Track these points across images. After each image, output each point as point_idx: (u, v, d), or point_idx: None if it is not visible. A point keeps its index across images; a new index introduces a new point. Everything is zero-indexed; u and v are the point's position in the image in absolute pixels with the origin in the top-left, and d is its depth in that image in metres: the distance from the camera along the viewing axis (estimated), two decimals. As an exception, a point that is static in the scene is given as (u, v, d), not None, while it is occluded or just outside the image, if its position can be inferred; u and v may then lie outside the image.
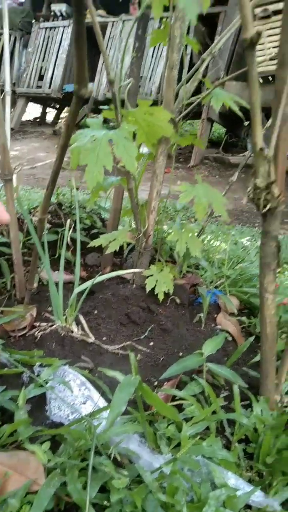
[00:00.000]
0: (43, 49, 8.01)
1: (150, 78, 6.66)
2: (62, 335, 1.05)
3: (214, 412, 0.84)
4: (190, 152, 6.53)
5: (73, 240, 1.60)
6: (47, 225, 1.52)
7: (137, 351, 1.12)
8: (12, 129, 8.06)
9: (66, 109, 10.08)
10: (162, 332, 1.20)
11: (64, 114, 10.40)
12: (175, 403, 0.87)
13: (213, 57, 1.17)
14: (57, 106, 9.64)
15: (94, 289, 1.37)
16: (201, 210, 1.06)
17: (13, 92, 7.97)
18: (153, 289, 1.23)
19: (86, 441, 0.71)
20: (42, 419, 0.84)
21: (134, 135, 1.14)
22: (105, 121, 1.08)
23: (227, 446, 0.84)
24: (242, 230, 2.85)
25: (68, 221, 1.10)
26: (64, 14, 8.20)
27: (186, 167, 6.04)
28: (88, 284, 1.01)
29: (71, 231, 1.06)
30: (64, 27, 7.82)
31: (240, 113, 1.17)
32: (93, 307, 1.27)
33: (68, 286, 1.45)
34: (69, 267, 1.59)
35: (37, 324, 1.14)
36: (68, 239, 1.02)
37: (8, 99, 1.25)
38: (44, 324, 1.12)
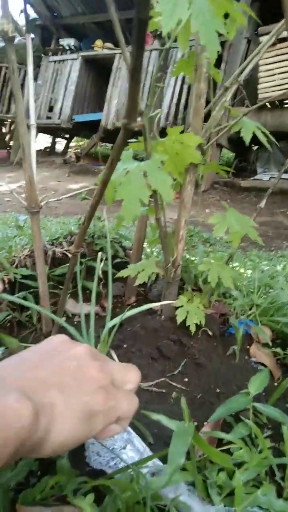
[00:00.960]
0: (52, 82, 8.25)
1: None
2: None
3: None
4: (201, 177, 6.57)
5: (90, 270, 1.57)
6: (70, 256, 1.49)
7: (172, 388, 1.07)
8: (21, 159, 8.22)
9: (75, 138, 10.29)
10: (196, 367, 1.15)
11: (73, 143, 10.62)
12: (223, 448, 0.82)
13: (240, 85, 1.16)
14: (67, 136, 9.84)
15: (122, 321, 1.33)
16: (236, 239, 1.03)
17: (24, 123, 8.15)
18: (183, 320, 1.19)
19: (135, 493, 0.66)
20: (81, 465, 0.78)
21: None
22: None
23: (279, 493, 0.78)
24: (259, 254, 2.81)
25: (100, 254, 1.07)
26: (72, 47, 8.48)
27: (197, 192, 6.06)
28: (119, 318, 0.96)
29: (102, 263, 1.02)
30: (73, 60, 8.07)
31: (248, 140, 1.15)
32: (122, 340, 1.22)
33: (97, 317, 1.41)
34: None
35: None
36: (100, 271, 0.99)
37: (33, 133, 1.25)
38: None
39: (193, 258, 1.72)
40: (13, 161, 8.25)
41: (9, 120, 9.17)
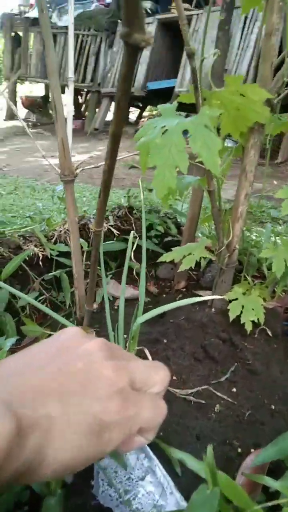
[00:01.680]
0: (127, 48, 7.98)
1: (235, 71, 6.23)
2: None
3: None
4: (277, 146, 6.01)
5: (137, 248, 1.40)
6: (116, 232, 1.33)
7: (215, 399, 0.88)
8: (96, 129, 8.19)
9: (148, 108, 10.02)
10: (249, 374, 0.94)
11: (146, 112, 10.36)
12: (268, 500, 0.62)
13: None
14: (140, 105, 9.60)
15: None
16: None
17: (98, 92, 8.08)
18: (238, 316, 0.98)
19: None
20: (86, 496, 0.64)
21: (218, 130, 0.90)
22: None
23: None
24: None
25: (132, 233, 0.89)
26: (148, 11, 8.09)
27: (273, 164, 5.55)
28: (154, 313, 0.78)
29: (135, 242, 0.84)
30: (148, 24, 7.70)
31: None
32: (163, 334, 1.05)
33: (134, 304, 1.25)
34: (138, 279, 1.39)
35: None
36: (132, 254, 0.81)
37: (71, 87, 1.08)
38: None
39: (258, 239, 1.47)
40: (87, 131, 8.25)
41: (85, 90, 9.14)
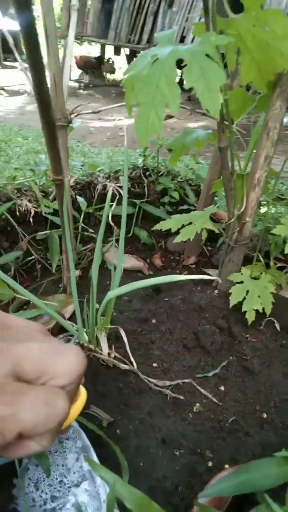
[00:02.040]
0: (187, 8, 7.52)
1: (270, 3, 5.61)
2: (84, 355, 0.73)
3: None
4: None
5: (147, 215, 1.26)
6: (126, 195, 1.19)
7: (197, 397, 0.74)
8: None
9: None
10: (243, 372, 0.79)
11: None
12: None
13: None
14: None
15: (161, 287, 1.01)
16: None
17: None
18: (240, 303, 0.82)
19: None
20: (4, 497, 0.53)
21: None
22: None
23: None
24: None
25: (108, 196, 0.75)
26: None
27: None
28: (127, 287, 0.64)
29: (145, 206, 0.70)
30: None
31: None
32: (153, 313, 0.91)
33: (135, 275, 1.12)
34: (144, 249, 1.25)
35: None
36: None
37: (74, 16, 0.92)
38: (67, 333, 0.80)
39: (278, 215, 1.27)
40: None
41: (140, 52, 8.78)
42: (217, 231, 0.82)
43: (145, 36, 7.92)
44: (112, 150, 2.02)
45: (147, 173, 1.27)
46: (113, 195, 1.22)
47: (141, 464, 0.60)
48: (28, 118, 4.83)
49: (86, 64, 8.11)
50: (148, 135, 0.58)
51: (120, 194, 1.21)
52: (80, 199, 1.08)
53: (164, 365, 0.79)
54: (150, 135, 0.58)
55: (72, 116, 0.91)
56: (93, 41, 8.23)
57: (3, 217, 1.01)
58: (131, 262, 1.13)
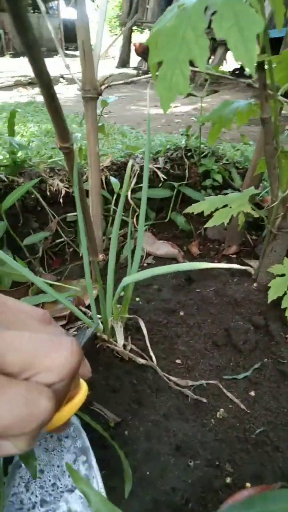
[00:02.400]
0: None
1: None
2: (97, 345, 0.66)
3: None
4: None
5: (185, 199, 1.16)
6: (162, 176, 1.11)
7: (222, 401, 0.66)
8: (206, 80, 7.65)
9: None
10: (279, 377, 0.69)
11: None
12: None
13: None
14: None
15: (193, 276, 0.93)
16: None
17: (213, 39, 7.45)
18: (280, 298, 0.72)
19: None
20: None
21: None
22: None
23: None
24: None
25: (128, 171, 0.67)
26: None
27: None
28: (143, 274, 0.57)
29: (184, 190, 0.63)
30: None
31: None
32: (182, 305, 0.83)
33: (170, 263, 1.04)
34: (182, 236, 1.16)
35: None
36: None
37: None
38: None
39: None
40: (197, 81, 7.77)
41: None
42: (256, 216, 0.72)
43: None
44: (164, 135, 1.95)
45: (189, 154, 1.18)
46: (150, 178, 1.14)
47: (149, 472, 0.53)
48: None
49: (145, 51, 8.01)
50: (171, 97, 0.50)
51: (157, 176, 1.13)
52: (113, 179, 1.02)
53: (188, 363, 0.71)
54: (174, 97, 0.50)
55: (103, 87, 0.85)
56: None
57: (32, 196, 0.97)
58: (166, 249, 1.06)
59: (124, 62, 8.04)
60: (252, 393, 0.67)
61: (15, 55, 7.41)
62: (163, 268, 0.54)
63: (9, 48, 7.62)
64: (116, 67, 8.02)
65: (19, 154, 0.98)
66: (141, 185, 1.11)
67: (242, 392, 0.67)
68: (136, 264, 0.65)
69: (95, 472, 0.49)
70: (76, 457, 0.51)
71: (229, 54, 8.15)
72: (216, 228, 1.13)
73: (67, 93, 5.53)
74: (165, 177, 1.11)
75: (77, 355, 0.27)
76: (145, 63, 8.21)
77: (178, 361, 0.72)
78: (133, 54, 8.29)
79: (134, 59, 8.38)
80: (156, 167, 1.13)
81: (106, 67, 8.15)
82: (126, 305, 0.66)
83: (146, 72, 7.88)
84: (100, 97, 0.84)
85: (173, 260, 1.05)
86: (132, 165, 1.14)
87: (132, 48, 8.14)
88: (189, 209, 0.77)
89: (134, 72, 7.62)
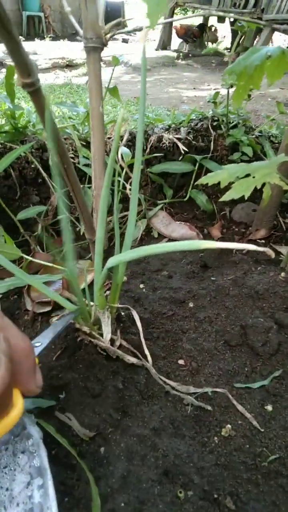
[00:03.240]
0: None
1: None
2: (78, 339, 0.55)
3: None
4: None
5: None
6: (183, 148, 0.97)
7: (230, 414, 0.53)
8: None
9: None
10: (305, 390, 0.55)
11: None
12: None
13: None
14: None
15: (210, 262, 0.79)
16: None
17: (259, 18, 7.06)
18: (312, 292, 0.58)
19: None
20: None
21: None
22: None
23: None
24: None
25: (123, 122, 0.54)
26: None
27: None
28: (128, 255, 0.45)
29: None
30: None
31: None
32: (192, 295, 0.70)
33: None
34: (203, 217, 1.02)
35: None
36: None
37: None
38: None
39: None
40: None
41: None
42: (286, 187, 0.58)
43: (251, 1, 7.28)
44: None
45: (216, 124, 1.03)
46: (169, 150, 1.01)
47: (124, 504, 0.42)
48: (122, 87, 4.71)
49: (186, 33, 7.74)
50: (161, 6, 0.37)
51: (177, 147, 1.00)
52: (124, 149, 0.90)
53: (193, 364, 0.59)
54: (165, 6, 0.37)
55: (108, 36, 0.72)
56: (195, 8, 7.79)
57: (33, 166, 0.87)
58: (182, 230, 0.93)
59: (164, 44, 7.79)
60: (269, 408, 0.53)
61: (55, 38, 7.37)
62: (156, 247, 0.42)
63: (49, 32, 7.59)
64: (156, 50, 7.80)
65: (21, 120, 0.88)
66: (157, 155, 0.98)
67: (257, 405, 0.54)
68: (128, 243, 0.53)
69: (51, 501, 0.38)
70: (30, 479, 0.40)
71: (276, 36, 7.70)
72: (244, 209, 0.98)
73: (104, 75, 5.44)
74: (186, 149, 0.97)
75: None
76: (186, 45, 7.95)
77: (180, 361, 0.60)
78: (174, 36, 8.04)
79: (175, 41, 8.13)
80: (177, 138, 0.99)
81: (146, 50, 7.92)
82: (116, 292, 0.54)
83: (186, 55, 7.61)
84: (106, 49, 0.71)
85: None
86: (149, 135, 1.01)
87: (173, 30, 7.89)
88: (203, 179, 0.63)
89: (174, 54, 7.38)
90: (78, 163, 0.90)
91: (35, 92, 0.42)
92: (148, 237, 0.95)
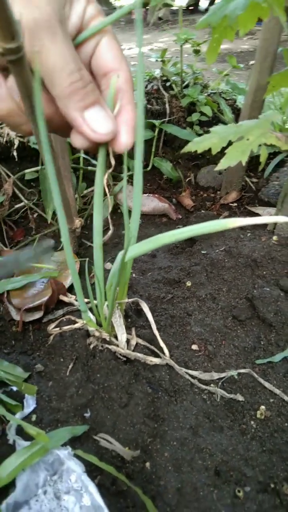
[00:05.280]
0: None
1: None
2: (91, 346, 0.48)
3: None
4: None
5: (169, 140, 0.97)
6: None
7: (260, 394, 0.50)
8: (160, 18, 7.10)
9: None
10: None
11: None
12: None
13: None
14: (214, -13, 8.12)
15: (194, 235, 0.75)
16: None
17: None
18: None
19: None
20: None
21: None
22: None
23: None
24: None
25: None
26: None
27: None
28: (149, 245, 0.39)
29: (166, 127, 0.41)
30: None
31: None
32: (187, 273, 0.66)
33: (164, 222, 0.86)
34: (168, 186, 0.97)
35: (69, 306, 0.60)
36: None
37: None
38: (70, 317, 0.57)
39: None
40: (149, 21, 7.22)
41: None
42: (285, 148, 0.54)
43: None
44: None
45: (167, 84, 0.96)
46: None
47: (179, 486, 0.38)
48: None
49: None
50: None
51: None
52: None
53: (208, 348, 0.55)
54: None
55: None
56: None
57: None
58: (153, 203, 0.87)
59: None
60: (296, 380, 0.52)
61: None
62: (180, 232, 0.36)
63: None
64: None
65: None
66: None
67: (283, 378, 0.52)
68: (134, 229, 0.47)
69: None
70: (81, 495, 0.35)
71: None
72: (209, 173, 0.94)
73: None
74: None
75: None
76: None
77: (194, 347, 0.56)
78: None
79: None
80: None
81: None
82: (124, 286, 0.48)
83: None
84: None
85: (163, 216, 0.87)
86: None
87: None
88: (190, 147, 0.58)
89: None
90: (28, 143, 0.79)
91: (18, 62, 0.32)
92: (116, 215, 0.88)
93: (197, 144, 0.57)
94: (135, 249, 0.41)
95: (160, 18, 7.52)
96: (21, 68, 0.33)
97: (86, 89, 0.28)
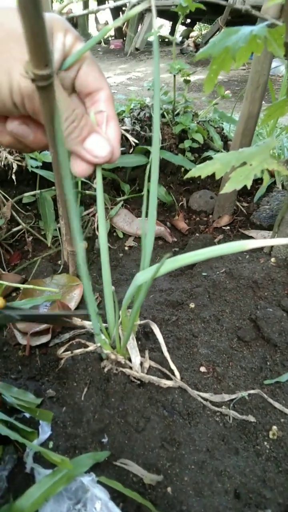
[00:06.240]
0: None
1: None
2: (105, 369, 0.48)
3: None
4: None
5: (161, 166, 1.00)
6: (133, 140, 0.91)
7: (271, 414, 0.51)
8: (137, 49, 7.36)
9: (198, 25, 8.89)
10: None
11: (195, 32, 9.21)
12: None
13: None
14: (188, 22, 8.52)
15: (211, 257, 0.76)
16: None
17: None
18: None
19: None
20: None
21: None
22: None
23: None
24: None
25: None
26: None
27: None
28: (167, 267, 0.40)
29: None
30: None
31: None
32: (189, 295, 0.67)
33: (160, 245, 0.88)
34: (162, 210, 0.99)
35: (77, 329, 0.59)
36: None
37: None
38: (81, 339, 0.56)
39: None
40: (127, 51, 7.46)
41: (125, 8, 8.13)
42: (286, 173, 0.56)
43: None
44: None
45: (160, 112, 0.99)
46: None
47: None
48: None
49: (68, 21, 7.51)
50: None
51: (127, 140, 0.94)
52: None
53: (216, 369, 0.56)
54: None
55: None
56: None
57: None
58: (156, 228, 0.88)
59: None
60: (304, 399, 0.53)
61: None
62: (201, 253, 0.38)
63: None
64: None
65: None
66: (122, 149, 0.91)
67: (290, 399, 0.53)
68: (148, 253, 0.47)
69: None
70: None
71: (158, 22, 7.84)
72: (201, 197, 0.97)
73: None
74: (136, 141, 0.92)
75: None
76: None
77: (202, 369, 0.56)
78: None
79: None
80: (124, 130, 0.93)
81: None
82: (138, 309, 0.48)
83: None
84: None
85: (159, 239, 0.88)
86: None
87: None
88: (193, 172, 0.59)
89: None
90: (26, 167, 0.79)
91: (47, 89, 0.33)
92: (111, 238, 0.88)
93: (200, 170, 0.59)
94: (155, 270, 0.41)
95: (137, 49, 7.80)
96: (49, 94, 0.34)
97: (81, 124, 0.33)
